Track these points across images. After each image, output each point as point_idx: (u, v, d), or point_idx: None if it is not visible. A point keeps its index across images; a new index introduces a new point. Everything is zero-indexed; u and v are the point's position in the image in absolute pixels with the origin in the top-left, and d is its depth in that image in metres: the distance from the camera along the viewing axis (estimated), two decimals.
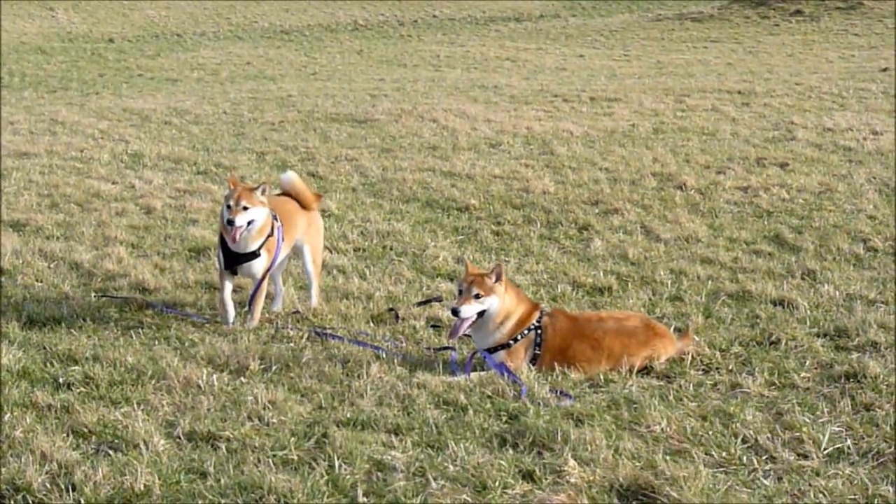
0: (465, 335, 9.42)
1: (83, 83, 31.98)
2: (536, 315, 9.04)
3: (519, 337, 8.91)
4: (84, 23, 51.30)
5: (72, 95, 28.49)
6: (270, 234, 10.14)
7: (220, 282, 10.31)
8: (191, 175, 17.04)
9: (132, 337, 9.70)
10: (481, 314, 8.90)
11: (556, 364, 8.84)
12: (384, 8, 57.38)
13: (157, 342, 9.55)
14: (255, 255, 10.10)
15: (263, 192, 10.07)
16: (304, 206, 10.79)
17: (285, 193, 10.82)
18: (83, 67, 36.67)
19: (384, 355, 9.12)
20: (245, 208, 9.91)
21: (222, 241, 10.17)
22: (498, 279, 8.91)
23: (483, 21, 52.68)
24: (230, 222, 9.88)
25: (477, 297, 8.88)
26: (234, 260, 10.13)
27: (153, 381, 8.52)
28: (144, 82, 32.12)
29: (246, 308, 10.27)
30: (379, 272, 11.69)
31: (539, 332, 8.96)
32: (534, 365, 8.87)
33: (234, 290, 10.45)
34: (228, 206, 9.94)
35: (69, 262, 11.98)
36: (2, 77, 33.74)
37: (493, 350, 8.91)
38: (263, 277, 10.15)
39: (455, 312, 8.93)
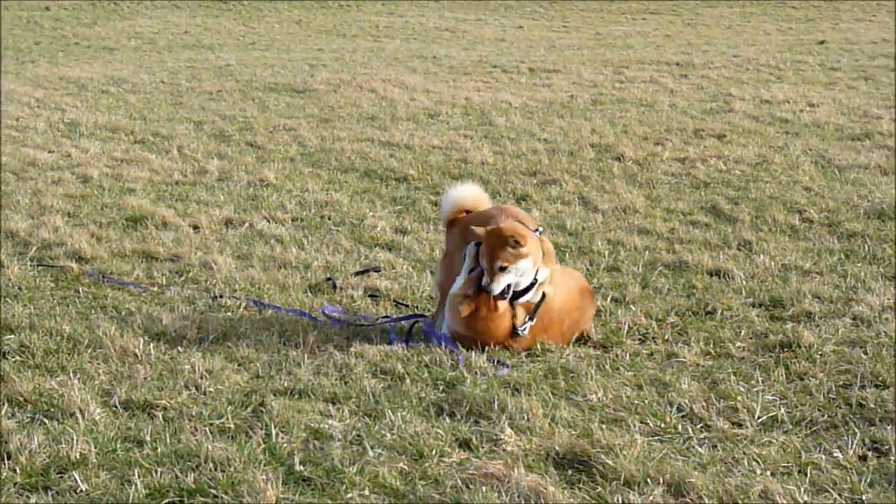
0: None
1: (18, 51, 31.62)
2: None
3: None
4: None
5: (7, 64, 28.16)
6: None
7: None
8: (128, 144, 16.93)
9: (68, 306, 9.65)
10: None
11: None
12: None
13: (93, 311, 9.48)
14: None
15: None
16: None
17: None
18: (18, 35, 36.25)
19: (321, 324, 9.11)
20: None
21: None
22: None
23: None
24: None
25: None
26: None
27: (89, 350, 8.48)
28: (81, 51, 31.83)
29: None
30: (317, 242, 11.66)
31: None
32: None
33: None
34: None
35: (5, 231, 11.87)
36: None
37: None
38: None
39: None
